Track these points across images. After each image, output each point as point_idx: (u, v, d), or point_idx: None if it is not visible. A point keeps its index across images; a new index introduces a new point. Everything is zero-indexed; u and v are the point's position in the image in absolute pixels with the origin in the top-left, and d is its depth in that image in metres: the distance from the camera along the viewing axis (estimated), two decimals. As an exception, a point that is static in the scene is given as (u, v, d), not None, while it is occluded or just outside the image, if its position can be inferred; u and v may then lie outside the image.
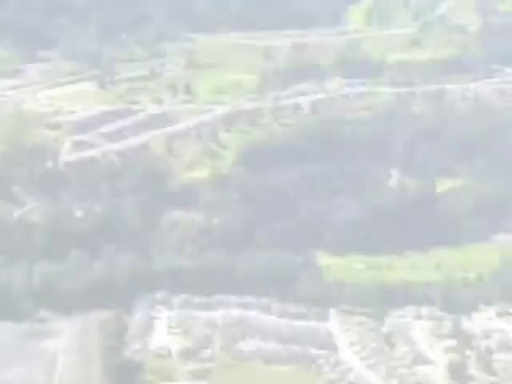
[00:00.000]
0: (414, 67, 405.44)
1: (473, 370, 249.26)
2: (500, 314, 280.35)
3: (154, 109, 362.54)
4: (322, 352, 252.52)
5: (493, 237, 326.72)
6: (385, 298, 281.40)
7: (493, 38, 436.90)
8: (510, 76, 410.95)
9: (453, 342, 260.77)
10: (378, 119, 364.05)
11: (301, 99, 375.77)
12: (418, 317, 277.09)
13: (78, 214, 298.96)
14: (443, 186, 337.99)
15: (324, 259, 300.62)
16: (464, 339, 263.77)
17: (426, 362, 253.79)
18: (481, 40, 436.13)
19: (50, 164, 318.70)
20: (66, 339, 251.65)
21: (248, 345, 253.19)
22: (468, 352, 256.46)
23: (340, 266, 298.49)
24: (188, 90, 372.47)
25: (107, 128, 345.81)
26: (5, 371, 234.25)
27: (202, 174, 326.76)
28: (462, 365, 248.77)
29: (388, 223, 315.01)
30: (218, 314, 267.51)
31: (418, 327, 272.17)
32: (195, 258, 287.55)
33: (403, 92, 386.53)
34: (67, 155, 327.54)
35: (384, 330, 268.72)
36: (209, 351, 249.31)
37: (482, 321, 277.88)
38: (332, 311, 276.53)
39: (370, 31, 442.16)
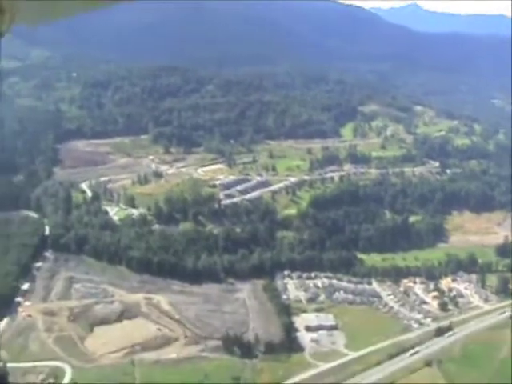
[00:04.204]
0: (385, 160, 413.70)
1: (450, 306, 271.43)
2: (453, 280, 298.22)
3: (258, 178, 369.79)
4: (375, 299, 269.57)
5: (437, 244, 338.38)
6: (396, 274, 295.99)
7: (418, 145, 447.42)
8: (432, 164, 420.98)
9: (436, 293, 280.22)
10: (374, 185, 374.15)
11: (332, 174, 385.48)
12: (415, 282, 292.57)
13: (238, 229, 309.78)
14: (412, 219, 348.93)
15: (360, 255, 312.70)
16: (441, 292, 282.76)
17: (425, 302, 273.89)
18: (414, 146, 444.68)
19: (216, 205, 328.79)
20: (247, 293, 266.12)
21: (338, 296, 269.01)
22: (444, 298, 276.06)
23: (369, 259, 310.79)
24: (274, 168, 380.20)
25: (238, 187, 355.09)
26: (222, 308, 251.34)
27: (292, 211, 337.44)
28: (443, 303, 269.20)
29: (388, 238, 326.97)
30: (317, 282, 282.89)
31: (417, 287, 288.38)
32: (298, 254, 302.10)
33: (383, 172, 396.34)
34: (223, 201, 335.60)
35: (401, 289, 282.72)
36: (320, 299, 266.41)
37: (446, 283, 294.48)
38: (373, 280, 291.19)
39: (358, 141, 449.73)
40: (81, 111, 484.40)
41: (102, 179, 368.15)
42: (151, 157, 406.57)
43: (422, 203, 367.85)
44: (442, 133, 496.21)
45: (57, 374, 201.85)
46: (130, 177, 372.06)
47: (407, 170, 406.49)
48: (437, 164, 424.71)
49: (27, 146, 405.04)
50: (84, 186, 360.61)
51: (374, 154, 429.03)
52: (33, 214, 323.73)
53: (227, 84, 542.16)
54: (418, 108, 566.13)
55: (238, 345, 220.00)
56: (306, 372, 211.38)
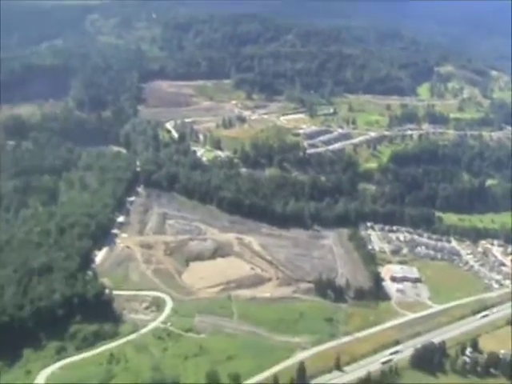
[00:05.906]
0: (463, 122, 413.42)
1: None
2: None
3: (340, 131, 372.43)
4: (455, 256, 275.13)
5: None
6: (475, 235, 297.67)
7: (496, 109, 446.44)
8: (509, 130, 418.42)
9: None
10: (453, 146, 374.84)
11: (411, 132, 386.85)
12: (493, 244, 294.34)
13: (323, 178, 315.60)
14: (488, 182, 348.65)
15: (437, 213, 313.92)
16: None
17: (503, 264, 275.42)
18: (491, 110, 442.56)
19: (301, 153, 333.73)
20: (333, 240, 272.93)
21: (420, 251, 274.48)
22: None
23: (447, 218, 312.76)
24: (354, 122, 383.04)
25: (321, 138, 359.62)
26: (311, 253, 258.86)
27: (373, 165, 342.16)
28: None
29: (465, 199, 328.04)
30: (399, 235, 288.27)
31: (495, 249, 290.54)
32: (380, 206, 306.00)
33: (461, 133, 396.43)
34: (307, 150, 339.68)
35: (480, 249, 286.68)
36: (403, 252, 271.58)
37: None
38: (452, 239, 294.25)
39: (435, 101, 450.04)
40: (162, 52, 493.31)
41: (187, 120, 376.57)
42: (234, 102, 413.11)
43: (498, 167, 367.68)
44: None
45: (159, 304, 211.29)
46: (214, 120, 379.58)
47: (485, 133, 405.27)
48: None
49: (112, 83, 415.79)
50: (169, 125, 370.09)
51: (451, 115, 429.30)
52: (123, 150, 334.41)
53: (306, 34, 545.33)
54: (494, 72, 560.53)
55: (329, 289, 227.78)
56: (394, 320, 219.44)
